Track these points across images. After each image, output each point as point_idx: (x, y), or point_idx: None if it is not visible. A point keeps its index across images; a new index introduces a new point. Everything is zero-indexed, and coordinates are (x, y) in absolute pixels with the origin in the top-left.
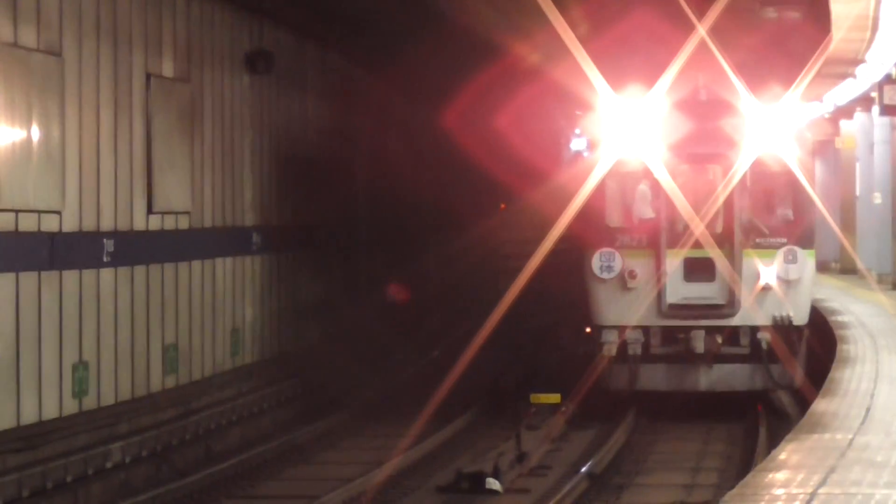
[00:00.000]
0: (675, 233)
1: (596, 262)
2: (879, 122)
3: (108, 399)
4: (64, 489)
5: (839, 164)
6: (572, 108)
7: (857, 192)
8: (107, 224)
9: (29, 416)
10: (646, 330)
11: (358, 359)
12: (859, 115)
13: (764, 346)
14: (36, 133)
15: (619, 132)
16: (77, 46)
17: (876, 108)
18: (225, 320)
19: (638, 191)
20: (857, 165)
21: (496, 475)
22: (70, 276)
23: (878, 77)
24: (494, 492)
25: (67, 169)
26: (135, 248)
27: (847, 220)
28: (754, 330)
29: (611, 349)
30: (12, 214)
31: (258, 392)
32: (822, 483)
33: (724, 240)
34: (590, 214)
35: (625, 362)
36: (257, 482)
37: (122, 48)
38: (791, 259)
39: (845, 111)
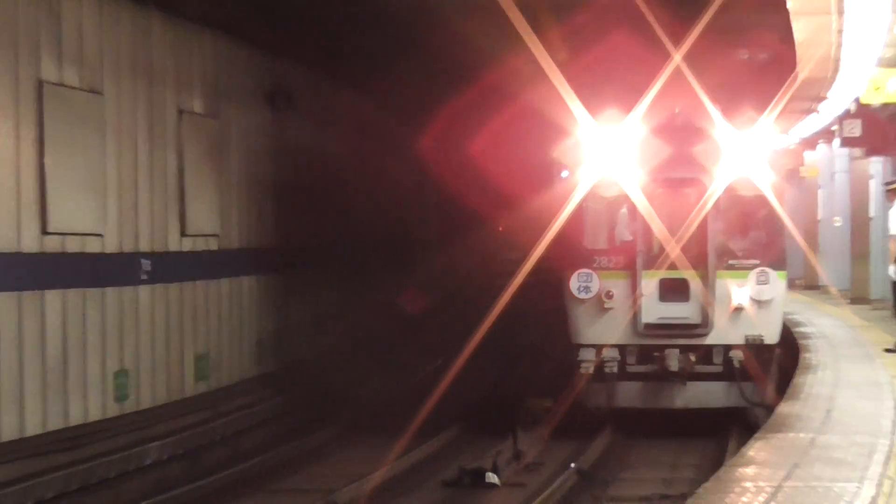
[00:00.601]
0: (651, 255)
1: (574, 283)
2: (839, 153)
3: (146, 403)
4: (107, 485)
5: (803, 190)
6: (553, 134)
7: (820, 216)
8: (144, 246)
9: (76, 418)
10: (622, 349)
11: (369, 364)
12: (822, 147)
13: (736, 364)
14: (80, 164)
15: (596, 157)
16: (116, 85)
17: (837, 141)
18: (251, 332)
19: (620, 214)
20: (820, 192)
21: (495, 471)
22: (112, 293)
23: (839, 112)
24: (493, 485)
25: (108, 196)
26: (169, 268)
27: (810, 241)
28: (727, 349)
29: (588, 368)
30: (60, 237)
31: (281, 396)
32: (787, 477)
33: (699, 261)
34: (568, 236)
35: (602, 380)
36: (281, 478)
37: (157, 87)
38: (763, 280)
39: (809, 143)
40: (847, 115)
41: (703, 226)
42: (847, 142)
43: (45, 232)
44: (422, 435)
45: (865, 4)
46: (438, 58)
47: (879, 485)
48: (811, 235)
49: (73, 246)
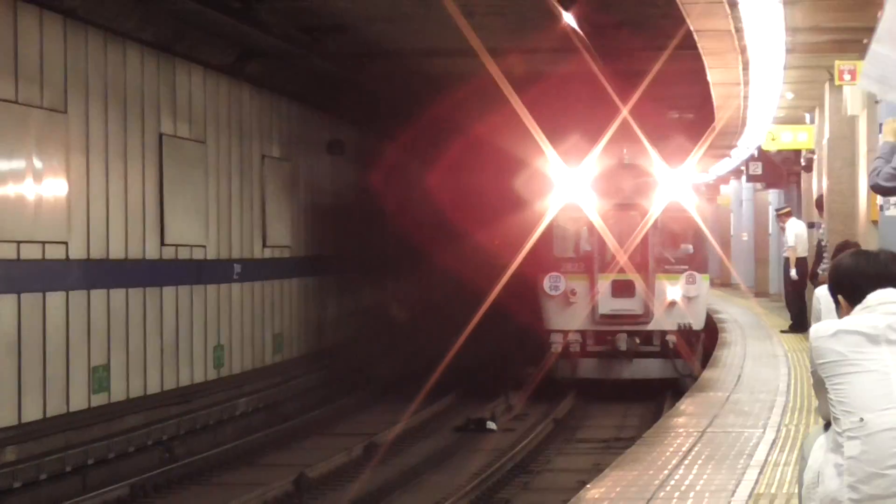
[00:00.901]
0: (605, 261)
1: (546, 283)
2: (746, 186)
3: (237, 370)
4: (208, 430)
5: (719, 213)
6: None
7: (732, 233)
8: (236, 254)
9: (185, 380)
10: (583, 333)
11: (383, 348)
12: (733, 182)
13: (671, 345)
14: (187, 196)
15: (562, 187)
16: (216, 136)
17: (744, 178)
18: (310, 318)
19: (581, 231)
20: (732, 215)
21: (493, 419)
22: (211, 289)
23: (745, 156)
24: (492, 430)
25: (209, 218)
26: (254, 270)
27: (725, 250)
28: (664, 333)
29: (557, 347)
30: (174, 248)
31: (334, 366)
32: (710, 425)
33: (642, 267)
34: (542, 248)
35: (568, 357)
36: (334, 425)
37: (246, 138)
38: (691, 281)
39: (724, 179)
40: (751, 158)
41: (644, 239)
42: (751, 178)
43: (162, 244)
44: (437, 394)
45: (764, 79)
46: (442, 116)
47: (778, 430)
48: (725, 246)
49: (184, 254)
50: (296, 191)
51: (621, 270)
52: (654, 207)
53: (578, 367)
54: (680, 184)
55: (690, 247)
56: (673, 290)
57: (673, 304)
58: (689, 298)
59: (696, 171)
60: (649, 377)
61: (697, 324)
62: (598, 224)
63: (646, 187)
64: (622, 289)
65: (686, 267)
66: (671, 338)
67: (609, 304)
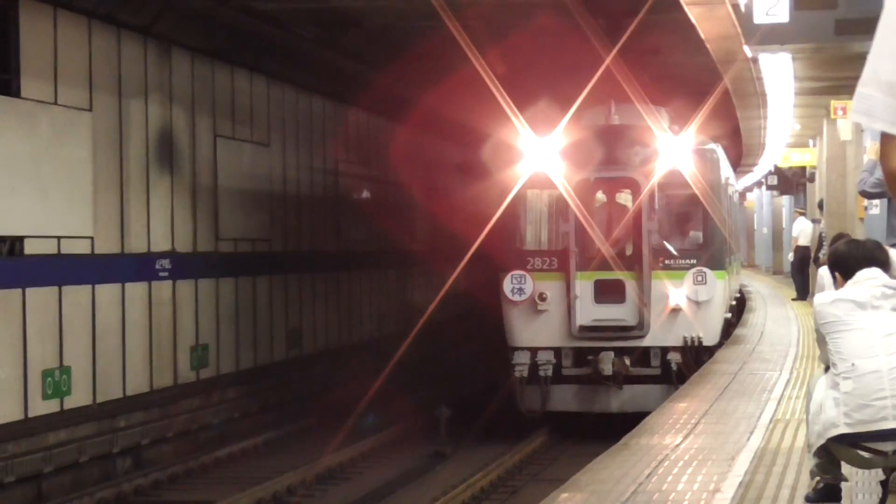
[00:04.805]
0: (586, 255)
1: (508, 285)
2: (765, 194)
3: (309, 350)
4: (276, 408)
5: (746, 215)
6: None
7: (755, 228)
8: (305, 247)
9: (263, 360)
10: (557, 351)
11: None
12: (756, 191)
13: (674, 367)
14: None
15: (530, 154)
16: (282, 139)
17: (764, 187)
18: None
19: (554, 213)
20: (755, 215)
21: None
22: (283, 279)
23: (765, 172)
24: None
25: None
26: (327, 262)
27: (749, 241)
28: (664, 351)
29: (522, 371)
30: (232, 242)
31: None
32: (740, 370)
33: (634, 261)
34: (502, 238)
35: (536, 384)
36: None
37: (316, 143)
38: (700, 280)
39: (749, 189)
40: (770, 173)
41: (638, 225)
42: (769, 187)
43: (218, 238)
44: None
45: (778, 115)
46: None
47: (791, 373)
48: (751, 238)
49: (244, 248)
50: (365, 192)
51: (607, 267)
52: (652, 181)
53: (550, 397)
54: (687, 151)
55: (700, 234)
56: (676, 292)
57: (676, 311)
58: (697, 303)
59: (711, 141)
60: (646, 410)
61: (709, 337)
62: (576, 204)
63: (641, 155)
64: (608, 291)
65: (694, 261)
66: (674, 357)
67: (591, 313)
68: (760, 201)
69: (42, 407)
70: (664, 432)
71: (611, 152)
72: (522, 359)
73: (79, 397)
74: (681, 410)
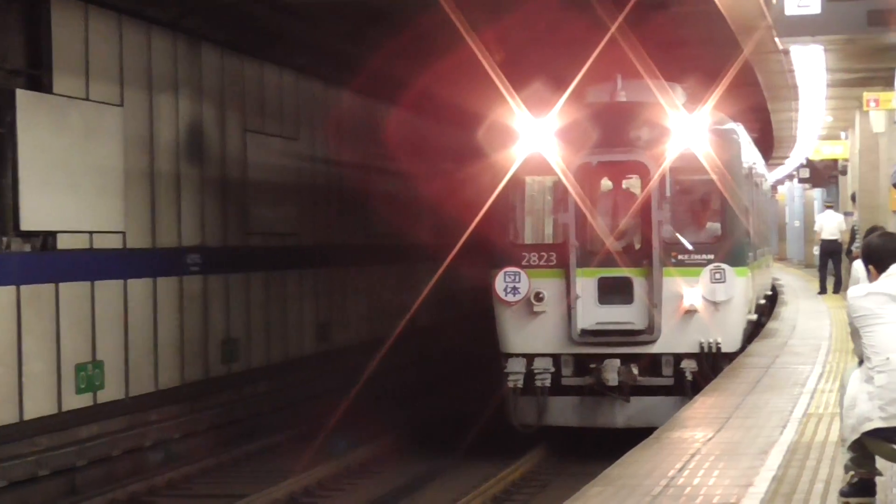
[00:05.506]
0: (588, 249)
1: (500, 283)
2: (797, 187)
3: (338, 344)
4: (306, 401)
5: (777, 207)
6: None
7: (787, 221)
8: (336, 241)
9: (294, 354)
10: (556, 358)
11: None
12: (788, 183)
13: (688, 376)
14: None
15: (525, 137)
16: (310, 133)
17: (796, 180)
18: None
19: (554, 202)
20: (787, 208)
21: None
22: (309, 273)
23: (796, 164)
24: None
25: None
26: (361, 255)
27: (781, 234)
28: (678, 358)
29: (517, 380)
30: (261, 236)
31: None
32: (772, 364)
33: (643, 256)
34: (494, 230)
35: (532, 394)
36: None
37: (346, 137)
38: (718, 278)
39: (780, 181)
40: (801, 166)
41: (647, 215)
42: (801, 180)
43: (247, 233)
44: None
45: (810, 108)
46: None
47: (824, 366)
48: (782, 231)
49: (274, 242)
50: (391, 185)
51: (612, 263)
52: (664, 165)
53: (548, 409)
54: (703, 130)
55: (718, 226)
56: (691, 291)
57: (691, 312)
58: (715, 304)
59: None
60: (654, 425)
61: (729, 343)
62: (576, 191)
63: (650, 136)
64: (613, 290)
65: (711, 256)
66: (688, 365)
67: (594, 315)
68: (792, 194)
69: (75, 401)
70: (695, 426)
71: (616, 133)
72: (517, 367)
73: (111, 391)
74: (711, 404)
